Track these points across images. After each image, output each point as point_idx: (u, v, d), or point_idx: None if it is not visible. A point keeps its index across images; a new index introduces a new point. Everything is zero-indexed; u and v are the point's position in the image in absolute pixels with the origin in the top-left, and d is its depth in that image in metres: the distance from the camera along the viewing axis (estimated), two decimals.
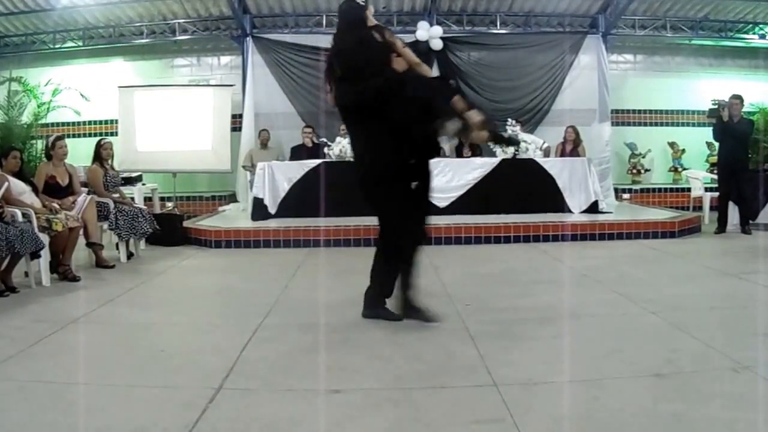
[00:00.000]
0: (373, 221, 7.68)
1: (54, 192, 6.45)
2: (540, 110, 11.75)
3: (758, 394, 2.92)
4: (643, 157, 12.46)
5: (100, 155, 7.27)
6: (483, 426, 2.69)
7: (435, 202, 8.87)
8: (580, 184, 9.13)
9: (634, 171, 12.42)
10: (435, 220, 8.13)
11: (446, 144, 4.66)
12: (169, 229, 8.04)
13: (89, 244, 6.57)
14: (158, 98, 11.47)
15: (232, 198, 11.62)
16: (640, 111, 12.82)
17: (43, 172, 6.55)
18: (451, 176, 9.02)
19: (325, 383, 3.18)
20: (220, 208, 10.95)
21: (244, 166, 10.84)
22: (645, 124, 12.82)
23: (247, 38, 11.64)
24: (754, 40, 12.26)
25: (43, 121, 11.98)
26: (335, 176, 8.61)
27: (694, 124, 12.65)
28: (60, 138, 6.84)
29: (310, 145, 10.46)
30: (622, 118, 12.63)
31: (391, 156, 3.94)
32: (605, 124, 11.86)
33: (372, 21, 4.18)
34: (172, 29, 11.76)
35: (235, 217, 9.72)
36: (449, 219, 8.24)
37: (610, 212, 9.16)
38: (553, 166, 9.22)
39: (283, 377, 3.30)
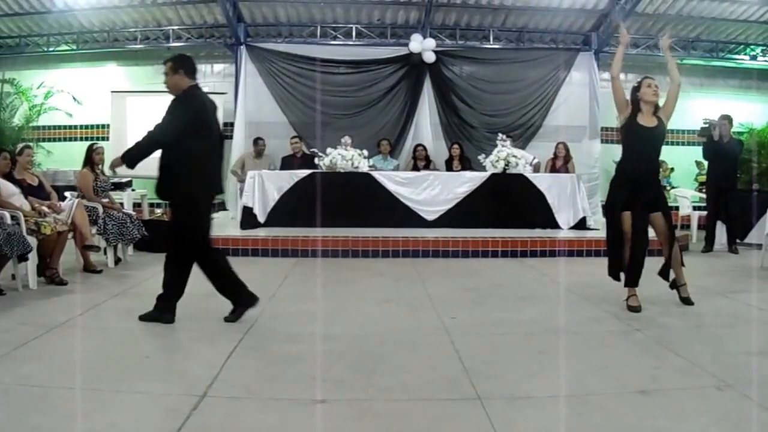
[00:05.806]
0: (361, 232, 7.87)
1: (31, 193, 6.39)
2: (531, 125, 11.76)
3: (741, 413, 2.94)
4: None
5: (92, 159, 7.27)
6: None
7: (423, 215, 8.91)
8: (569, 200, 9.13)
9: None
10: (423, 233, 8.17)
11: None
12: (158, 236, 7.98)
13: (86, 247, 6.49)
14: (150, 104, 11.34)
15: (221, 206, 11.56)
16: None
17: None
18: (440, 189, 9.00)
19: (309, 393, 3.17)
20: None
21: (233, 171, 10.78)
22: None
23: (241, 47, 11.63)
24: (745, 60, 12.41)
25: (34, 123, 11.92)
26: (325, 186, 8.63)
27: (682, 143, 12.69)
28: (28, 147, 6.95)
29: (299, 154, 10.45)
30: (612, 135, 12.60)
31: None
32: (595, 141, 11.93)
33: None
34: (166, 35, 11.76)
35: (224, 225, 9.65)
36: (437, 232, 8.25)
37: (597, 229, 9.18)
38: (542, 181, 9.23)
39: (268, 386, 3.30)
